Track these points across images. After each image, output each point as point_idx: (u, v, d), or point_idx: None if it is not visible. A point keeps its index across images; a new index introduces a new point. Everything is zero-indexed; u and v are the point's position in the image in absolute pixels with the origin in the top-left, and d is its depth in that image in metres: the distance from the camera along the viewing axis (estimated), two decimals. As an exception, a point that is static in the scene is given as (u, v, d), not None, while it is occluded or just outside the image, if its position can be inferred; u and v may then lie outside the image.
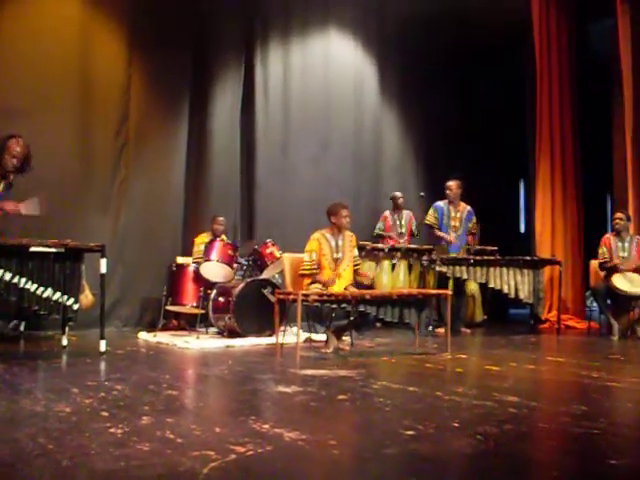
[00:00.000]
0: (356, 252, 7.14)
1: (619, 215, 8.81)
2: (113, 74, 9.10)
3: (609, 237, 8.73)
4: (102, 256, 6.31)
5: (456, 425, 3.50)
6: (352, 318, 6.58)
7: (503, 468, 2.88)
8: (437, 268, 8.53)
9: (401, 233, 10.10)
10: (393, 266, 9.56)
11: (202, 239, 8.59)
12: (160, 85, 9.48)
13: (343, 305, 6.34)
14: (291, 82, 10.44)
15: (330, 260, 6.86)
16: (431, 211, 9.25)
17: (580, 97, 11.09)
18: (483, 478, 2.77)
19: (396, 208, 10.22)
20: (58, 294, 6.04)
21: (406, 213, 10.26)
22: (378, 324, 9.09)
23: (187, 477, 2.63)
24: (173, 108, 9.60)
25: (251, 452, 2.94)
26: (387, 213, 10.26)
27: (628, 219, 8.81)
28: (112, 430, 3.30)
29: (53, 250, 6.02)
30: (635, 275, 8.41)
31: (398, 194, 10.29)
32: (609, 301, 8.58)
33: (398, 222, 10.15)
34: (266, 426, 3.42)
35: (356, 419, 3.87)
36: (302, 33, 10.63)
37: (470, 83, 11.92)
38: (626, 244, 8.66)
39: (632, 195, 9.56)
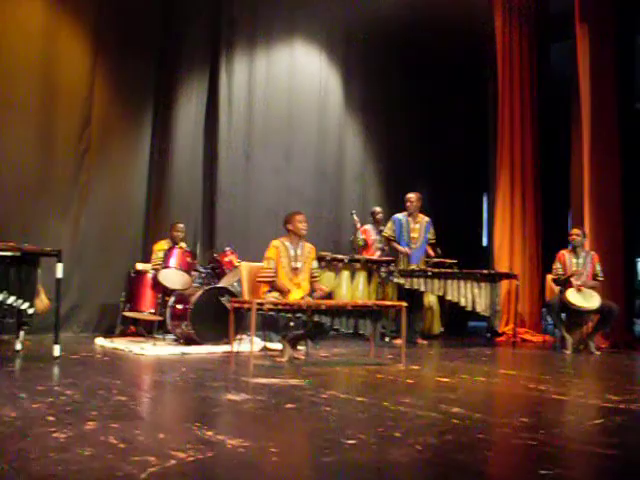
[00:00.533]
0: (315, 264, 7.18)
1: (576, 231, 8.95)
2: (76, 78, 9.09)
3: (564, 253, 8.87)
4: (58, 261, 6.31)
5: (398, 435, 3.56)
6: (307, 328, 6.63)
7: (435, 478, 2.95)
8: (395, 280, 8.63)
9: (379, 248, 10.13)
10: (353, 277, 9.61)
11: (161, 246, 8.59)
12: (124, 91, 9.49)
13: (298, 315, 6.39)
14: (255, 91, 10.48)
15: (288, 269, 6.90)
16: (389, 224, 9.32)
17: (541, 115, 11.28)
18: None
19: (375, 223, 10.27)
20: (13, 298, 6.04)
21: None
22: (335, 333, 9.14)
23: (124, 482, 2.67)
24: (136, 114, 9.61)
25: (191, 458, 2.98)
26: (368, 227, 10.30)
27: (584, 235, 8.95)
28: (55, 435, 3.31)
29: (9, 254, 6.01)
30: (588, 290, 8.55)
31: (378, 209, 10.35)
32: (563, 315, 8.70)
33: (377, 237, 10.18)
34: (210, 433, 3.46)
35: (300, 427, 3.92)
36: (268, 43, 10.68)
37: (434, 97, 12.04)
38: (580, 260, 8.80)
39: (588, 212, 9.71)
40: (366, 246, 10.14)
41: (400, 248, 9.13)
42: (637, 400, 4.83)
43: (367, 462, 3.09)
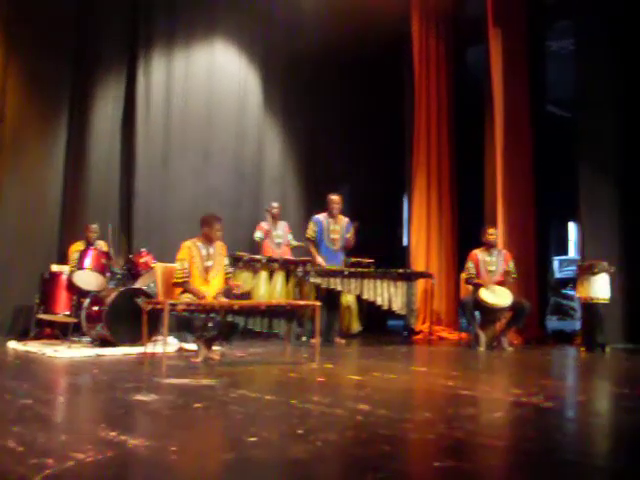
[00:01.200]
0: (227, 261, 7.23)
1: (492, 231, 9.13)
2: (-12, 78, 8.93)
3: (476, 252, 9.04)
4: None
5: (300, 432, 3.61)
6: (220, 328, 6.65)
7: (330, 472, 3.02)
8: (311, 279, 8.70)
9: (278, 243, 10.20)
10: (270, 277, 9.64)
11: (77, 247, 8.50)
12: (38, 91, 9.38)
13: (212, 315, 6.41)
14: (174, 92, 10.44)
15: (201, 269, 6.92)
16: (311, 224, 9.36)
17: (456, 117, 11.52)
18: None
19: (272, 218, 10.32)
20: None
21: (282, 224, 10.38)
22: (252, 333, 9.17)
23: (17, 484, 2.66)
24: (52, 114, 9.49)
25: (90, 459, 2.98)
26: (263, 223, 10.31)
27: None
28: (-47, 440, 3.28)
29: None
30: (500, 288, 8.76)
31: (274, 204, 10.36)
32: (477, 313, 8.89)
33: (274, 232, 10.24)
34: (113, 433, 3.45)
35: (205, 426, 3.95)
36: (187, 43, 10.64)
37: (353, 98, 12.16)
38: (494, 258, 9.00)
39: (501, 211, 9.95)
40: (263, 242, 10.17)
41: (316, 256, 9.17)
42: (538, 393, 4.99)
43: (266, 459, 3.14)
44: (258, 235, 10.14)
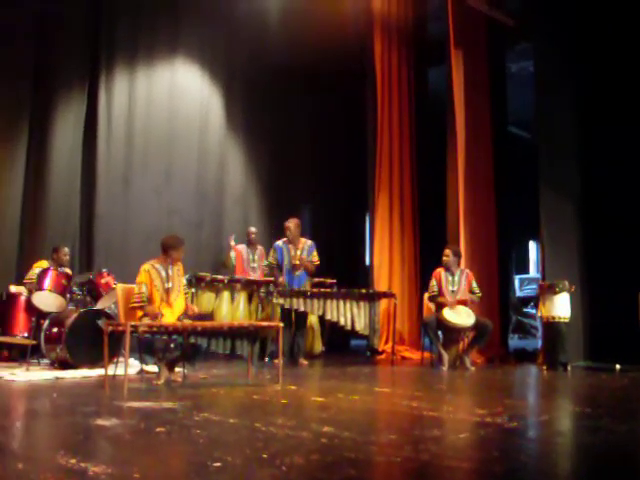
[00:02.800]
0: (184, 281, 7.19)
1: (446, 252, 9.14)
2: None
3: (440, 271, 9.07)
4: None
5: (265, 456, 3.56)
6: (183, 350, 6.59)
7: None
8: (274, 300, 8.65)
9: (254, 267, 10.14)
10: (233, 298, 9.58)
11: (41, 265, 8.36)
12: (-2, 106, 9.24)
13: (174, 336, 6.35)
14: (135, 111, 10.38)
15: (162, 291, 6.87)
16: (271, 252, 9.32)
17: (418, 137, 11.59)
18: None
19: (250, 243, 10.26)
20: None
21: (259, 248, 10.32)
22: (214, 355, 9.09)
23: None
24: (11, 133, 9.35)
25: (49, 488, 2.91)
26: (241, 247, 10.24)
27: (457, 254, 9.17)
28: None
29: None
30: (462, 307, 8.78)
31: (253, 229, 10.34)
32: (440, 333, 8.90)
33: (251, 256, 10.19)
34: (73, 460, 3.38)
35: (168, 451, 3.88)
36: (148, 62, 10.60)
37: (315, 117, 12.20)
38: (456, 278, 9.02)
39: (463, 231, 10.01)
40: (236, 266, 10.12)
41: (278, 276, 9.15)
42: (501, 413, 4.99)
43: (230, 484, 3.10)
44: (232, 256, 10.09)
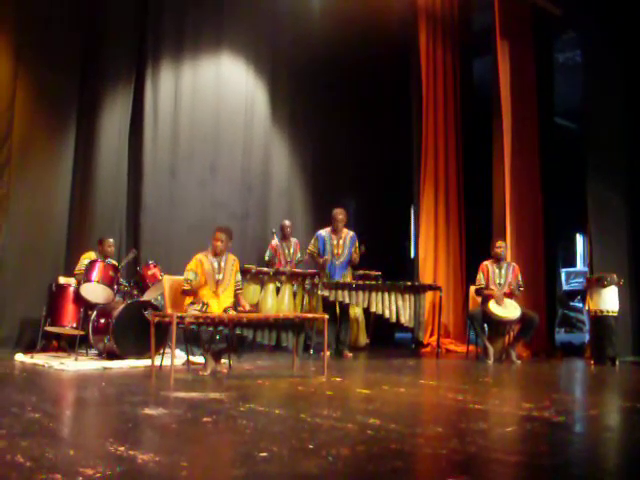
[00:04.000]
0: (239, 277, 7.23)
1: (501, 243, 9.10)
2: (-3, 87, 8.92)
3: (487, 264, 9.01)
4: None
5: (311, 447, 3.57)
6: (229, 341, 6.64)
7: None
8: (319, 292, 8.67)
9: (289, 261, 10.18)
10: (278, 290, 9.61)
11: (89, 256, 8.49)
12: (46, 103, 9.34)
13: (220, 328, 6.39)
14: (181, 104, 10.44)
15: (211, 282, 6.93)
16: (313, 240, 9.35)
17: (464, 129, 11.52)
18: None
19: (284, 237, 10.30)
20: None
21: (294, 241, 10.36)
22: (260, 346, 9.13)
23: (26, 500, 2.63)
24: (59, 126, 9.44)
25: (99, 475, 2.94)
26: (275, 242, 10.28)
27: (506, 247, 9.14)
28: (-40, 454, 3.25)
29: None
30: (509, 300, 8.72)
31: (287, 222, 10.37)
32: (485, 326, 8.85)
33: (287, 250, 10.23)
34: (122, 448, 3.42)
35: (214, 441, 3.90)
36: (194, 55, 10.65)
37: (360, 110, 12.19)
38: (503, 271, 8.97)
39: (510, 224, 9.92)
40: (273, 261, 10.16)
41: (319, 260, 9.17)
42: (549, 407, 4.94)
43: (278, 474, 3.10)
44: (267, 254, 10.18)
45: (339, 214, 9.23)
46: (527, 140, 10.34)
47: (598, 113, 9.71)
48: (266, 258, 10.21)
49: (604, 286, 8.57)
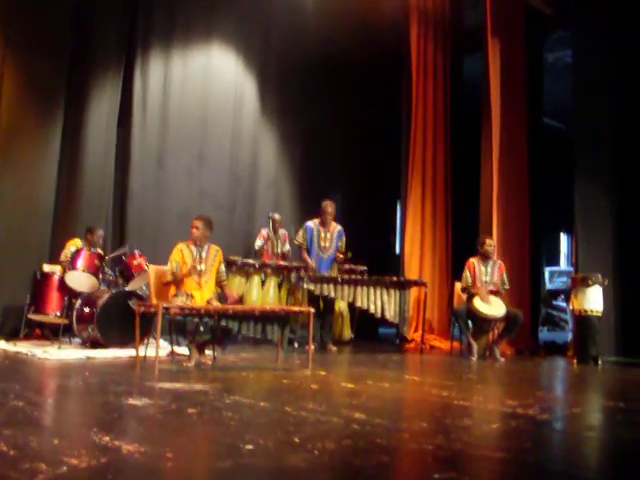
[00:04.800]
0: (223, 268, 7.21)
1: (490, 242, 9.09)
2: (-18, 77, 8.84)
3: (473, 261, 9.01)
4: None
5: (296, 440, 3.56)
6: (214, 333, 6.62)
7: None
8: (305, 286, 8.66)
9: (277, 253, 10.15)
10: (263, 282, 9.59)
11: (75, 243, 8.45)
12: (34, 87, 9.27)
13: (205, 319, 6.37)
14: (170, 93, 10.41)
15: (194, 272, 6.90)
16: (301, 232, 9.33)
17: (453, 126, 11.53)
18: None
19: (274, 230, 10.26)
20: None
21: (282, 233, 10.33)
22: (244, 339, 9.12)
23: (10, 489, 2.60)
24: (47, 113, 9.38)
25: (84, 464, 2.92)
26: (265, 232, 10.25)
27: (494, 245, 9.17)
28: (-58, 442, 3.22)
29: None
30: (494, 298, 8.73)
31: (277, 217, 10.30)
32: (470, 322, 8.86)
33: (276, 242, 10.20)
34: (106, 438, 3.40)
35: (200, 432, 3.89)
36: (184, 44, 10.61)
37: (349, 104, 12.16)
38: (489, 268, 8.98)
39: (496, 221, 9.94)
40: (261, 251, 10.13)
41: (308, 260, 9.15)
42: (533, 404, 4.96)
43: (263, 467, 3.09)
44: (258, 243, 10.11)
45: (329, 207, 9.21)
46: (516, 139, 10.35)
47: (587, 113, 9.73)
48: (256, 247, 10.14)
49: (589, 285, 8.59)
